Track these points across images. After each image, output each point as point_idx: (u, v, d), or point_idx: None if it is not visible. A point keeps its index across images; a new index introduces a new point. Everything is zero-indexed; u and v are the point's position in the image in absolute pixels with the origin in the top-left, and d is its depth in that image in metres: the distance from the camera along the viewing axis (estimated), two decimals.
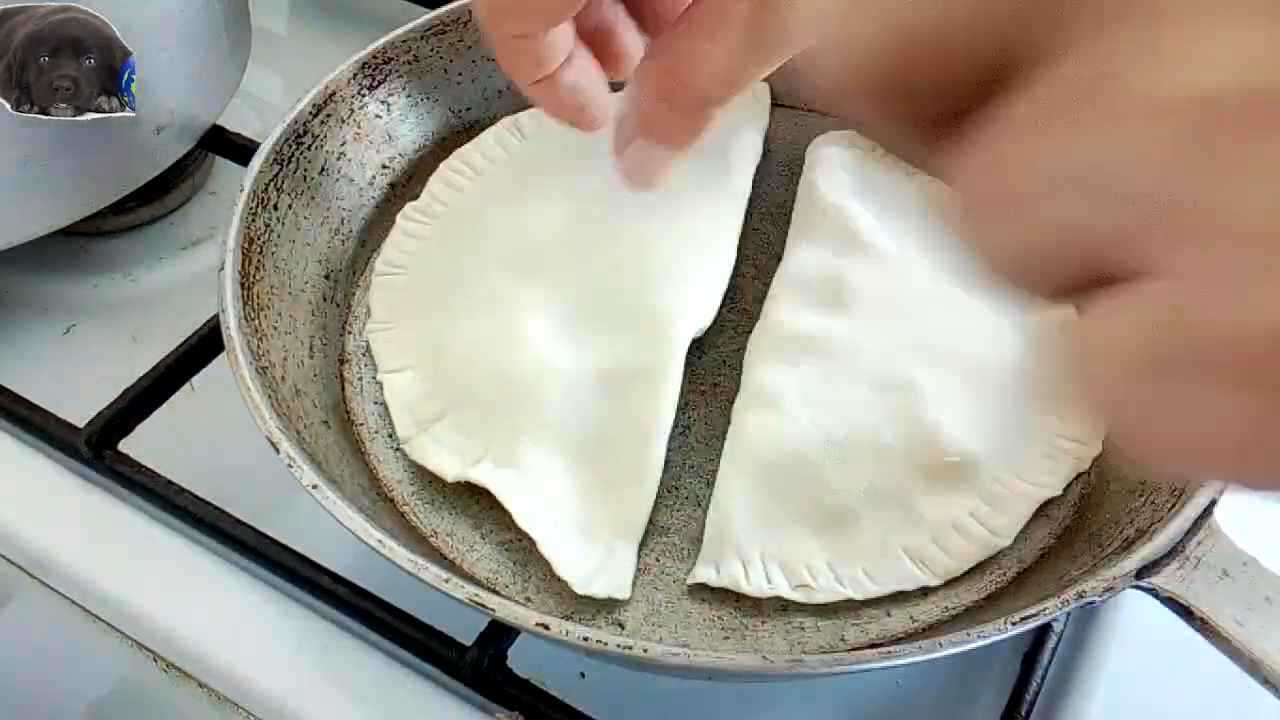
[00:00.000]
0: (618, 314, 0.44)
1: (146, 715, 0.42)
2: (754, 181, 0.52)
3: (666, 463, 0.42)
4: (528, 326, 0.44)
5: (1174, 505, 0.36)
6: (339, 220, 0.48)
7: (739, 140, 0.52)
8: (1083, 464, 0.42)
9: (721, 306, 0.47)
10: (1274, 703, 0.33)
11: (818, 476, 0.40)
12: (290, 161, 0.46)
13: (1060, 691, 0.40)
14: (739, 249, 0.49)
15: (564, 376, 0.42)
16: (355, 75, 0.49)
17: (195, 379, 0.46)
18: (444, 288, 0.46)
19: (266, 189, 0.45)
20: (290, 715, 0.39)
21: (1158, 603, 0.35)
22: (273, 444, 0.36)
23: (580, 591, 0.38)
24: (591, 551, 0.39)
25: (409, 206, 0.50)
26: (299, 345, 0.43)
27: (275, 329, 0.42)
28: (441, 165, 0.51)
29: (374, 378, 0.44)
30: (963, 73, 0.19)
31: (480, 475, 0.40)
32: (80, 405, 0.44)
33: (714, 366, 0.45)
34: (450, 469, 0.41)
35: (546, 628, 0.33)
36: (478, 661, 0.38)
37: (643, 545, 0.40)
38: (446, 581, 0.33)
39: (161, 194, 0.58)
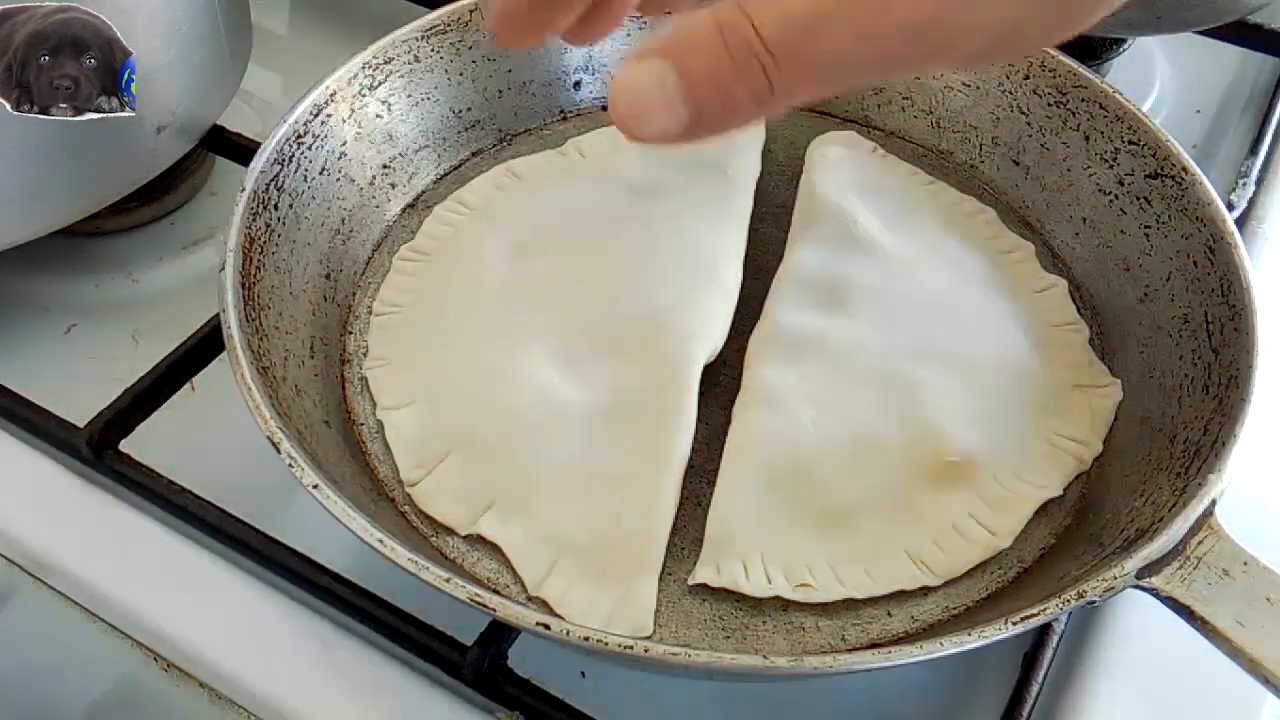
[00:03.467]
0: (625, 344, 0.43)
1: (146, 715, 0.42)
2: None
3: None
4: (529, 359, 0.43)
5: (1174, 505, 0.36)
6: (339, 220, 0.48)
7: (738, 157, 0.52)
8: (1083, 464, 0.43)
9: None
10: (1274, 703, 0.34)
11: (818, 477, 0.40)
12: (291, 161, 0.46)
13: (1060, 691, 0.40)
14: None
15: (569, 410, 0.41)
16: (356, 75, 0.49)
17: (196, 379, 0.46)
18: (442, 322, 0.45)
19: (267, 189, 0.45)
20: (290, 715, 0.39)
21: (1158, 603, 0.35)
22: (273, 444, 0.36)
23: None
24: (607, 593, 0.38)
25: (404, 248, 0.49)
26: (300, 345, 0.43)
27: (276, 329, 0.42)
28: (436, 207, 0.51)
29: (374, 414, 0.44)
30: None
31: (490, 529, 0.40)
32: (80, 405, 0.44)
33: (714, 366, 0.45)
34: (460, 521, 0.40)
35: (547, 628, 0.33)
36: (478, 661, 0.38)
37: None
38: (447, 581, 0.33)
39: (162, 194, 0.58)
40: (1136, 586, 0.35)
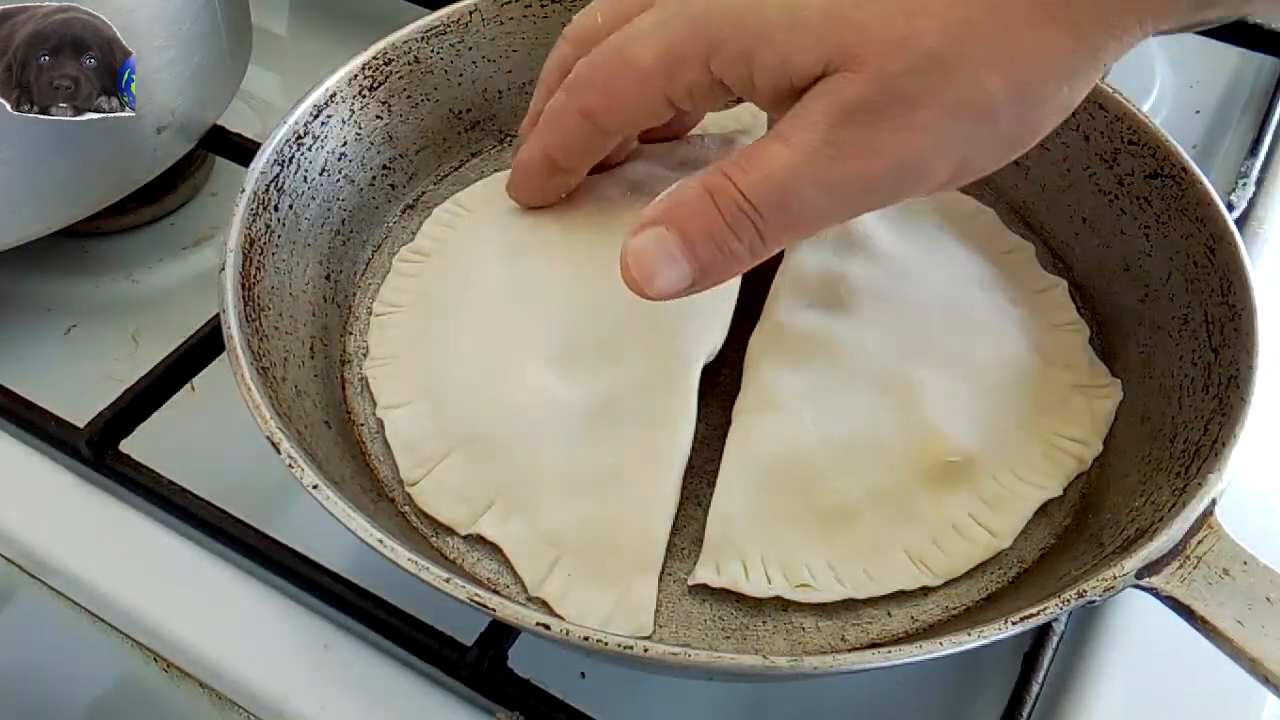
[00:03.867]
0: (624, 344, 0.43)
1: (146, 715, 0.42)
2: None
3: None
4: (528, 359, 0.42)
5: (1174, 505, 0.36)
6: (339, 221, 0.48)
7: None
8: (1083, 464, 0.43)
9: None
10: (1274, 702, 0.34)
11: (818, 477, 0.40)
12: (291, 162, 0.46)
13: (1060, 691, 0.40)
14: None
15: (569, 410, 0.41)
16: (356, 76, 0.49)
17: (196, 379, 0.46)
18: (442, 322, 0.45)
19: (267, 190, 0.45)
20: (290, 715, 0.39)
21: (1158, 603, 0.35)
22: (273, 444, 0.36)
23: None
24: (607, 593, 0.38)
25: (404, 249, 0.49)
26: (300, 345, 0.43)
27: (276, 329, 0.42)
28: (435, 209, 0.51)
29: (374, 414, 0.44)
30: None
31: (491, 529, 0.40)
32: (80, 405, 0.44)
33: (714, 366, 0.45)
34: (460, 521, 0.40)
35: (547, 628, 0.33)
36: (478, 661, 0.38)
37: None
38: (447, 581, 0.33)
39: (162, 194, 0.58)
40: (1136, 586, 0.35)
